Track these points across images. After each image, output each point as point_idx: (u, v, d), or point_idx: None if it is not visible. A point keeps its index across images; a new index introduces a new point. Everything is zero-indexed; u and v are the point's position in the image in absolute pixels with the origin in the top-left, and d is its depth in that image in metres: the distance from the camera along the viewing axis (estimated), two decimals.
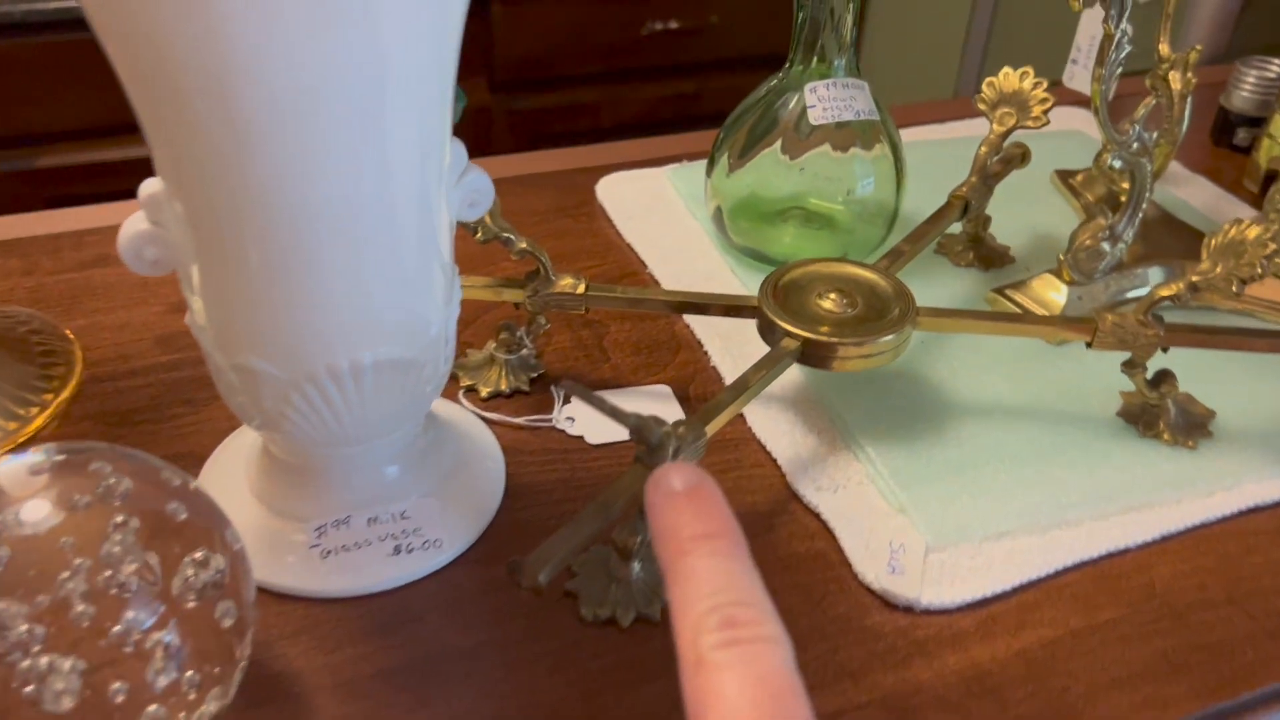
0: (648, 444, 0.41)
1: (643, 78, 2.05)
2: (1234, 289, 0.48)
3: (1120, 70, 0.55)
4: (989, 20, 1.60)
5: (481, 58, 1.87)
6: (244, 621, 0.37)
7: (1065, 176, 0.75)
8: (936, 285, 0.64)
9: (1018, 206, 0.71)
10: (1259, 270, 0.48)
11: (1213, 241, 0.50)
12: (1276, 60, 0.80)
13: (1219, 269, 0.49)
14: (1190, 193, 0.75)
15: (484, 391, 0.54)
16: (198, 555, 0.36)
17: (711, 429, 0.45)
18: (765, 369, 0.49)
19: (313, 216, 0.36)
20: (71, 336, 0.56)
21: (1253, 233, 0.49)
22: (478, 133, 1.96)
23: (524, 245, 0.52)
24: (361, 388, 0.40)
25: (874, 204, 0.63)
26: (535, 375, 0.56)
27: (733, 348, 0.58)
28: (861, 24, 2.09)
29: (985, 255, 0.66)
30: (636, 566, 0.45)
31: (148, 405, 0.53)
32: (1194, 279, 0.50)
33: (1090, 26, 0.72)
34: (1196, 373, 0.56)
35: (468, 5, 0.37)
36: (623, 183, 0.73)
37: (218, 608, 0.36)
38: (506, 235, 0.51)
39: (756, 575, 0.28)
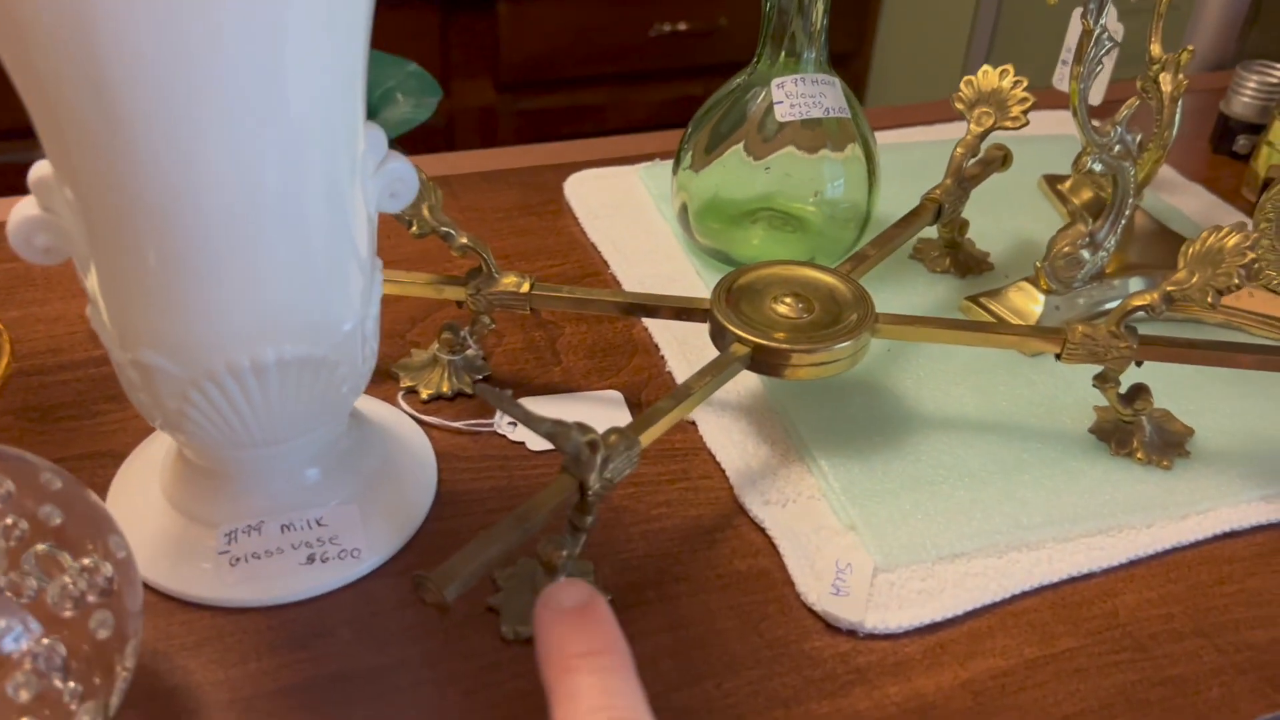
0: (564, 453, 0.38)
1: (650, 80, 2.03)
2: (1209, 300, 0.46)
3: (1100, 69, 0.52)
4: (993, 20, 1.56)
5: (487, 58, 1.86)
6: (124, 633, 0.34)
7: (1053, 181, 0.72)
8: (909, 291, 0.61)
9: (1002, 211, 0.68)
10: (1236, 280, 0.45)
11: (1190, 250, 0.47)
12: (1278, 65, 0.77)
13: (1195, 278, 0.46)
14: (1184, 200, 0.72)
15: (424, 393, 0.52)
16: (79, 562, 0.34)
17: (647, 438, 0.43)
18: (710, 375, 0.46)
19: (202, 209, 0.34)
20: (1, 328, 0.54)
21: (1231, 241, 0.46)
22: (483, 133, 1.95)
23: (465, 241, 0.49)
24: (266, 387, 0.38)
25: (846, 206, 0.60)
26: (481, 377, 0.53)
27: (690, 353, 0.56)
28: (873, 24, 2.07)
29: (962, 261, 0.63)
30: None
31: (73, 401, 0.51)
32: (1169, 289, 0.47)
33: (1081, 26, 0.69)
34: (1176, 388, 0.53)
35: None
36: (592, 180, 0.71)
37: (94, 618, 0.33)
38: (446, 230, 0.49)
39: (639, 691, 0.29)
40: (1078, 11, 0.69)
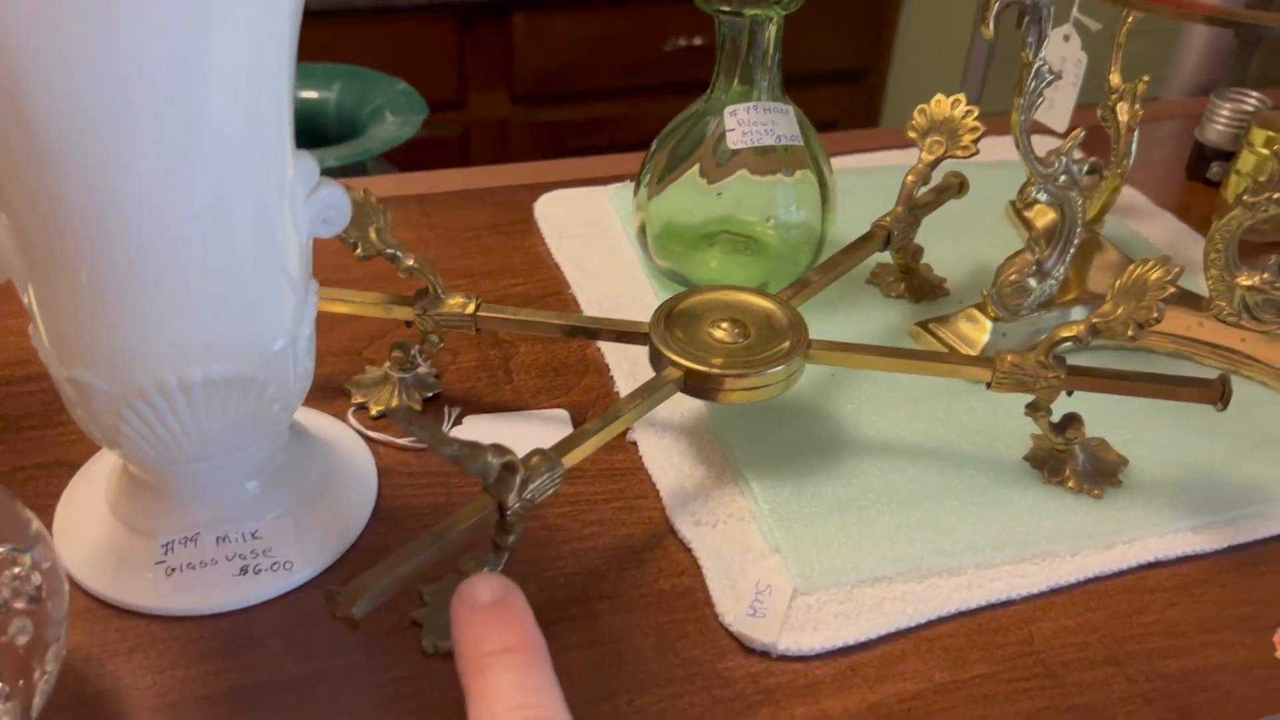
0: (477, 475, 0.39)
1: (664, 93, 2.05)
2: (1130, 332, 0.46)
3: (1041, 101, 0.53)
4: (989, 44, 1.57)
5: (503, 70, 1.88)
6: (43, 640, 0.36)
7: (1020, 208, 0.72)
8: (861, 316, 0.62)
9: (965, 237, 0.69)
10: (1155, 314, 0.45)
11: (1117, 283, 0.48)
12: (1254, 93, 0.77)
13: (1120, 310, 0.47)
14: (1151, 227, 0.73)
15: (374, 410, 0.54)
16: (10, 572, 0.35)
17: (570, 460, 0.44)
18: (641, 398, 0.47)
19: (127, 234, 0.35)
20: None
21: (1154, 274, 0.46)
22: (498, 145, 1.97)
23: (411, 263, 0.51)
24: (194, 404, 0.40)
25: (802, 230, 0.61)
26: (430, 395, 0.55)
27: (640, 374, 0.57)
28: (889, 40, 2.07)
29: (917, 287, 0.64)
30: None
31: (38, 411, 0.53)
32: (1095, 321, 0.48)
33: (1048, 54, 0.69)
34: (1115, 418, 0.54)
35: (294, 16, 0.36)
36: (563, 201, 0.72)
37: (12, 625, 0.35)
38: (392, 252, 0.50)
39: (555, 688, 0.29)
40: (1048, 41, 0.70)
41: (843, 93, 2.15)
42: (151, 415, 0.39)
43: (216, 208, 0.37)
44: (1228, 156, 0.77)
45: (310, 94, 1.07)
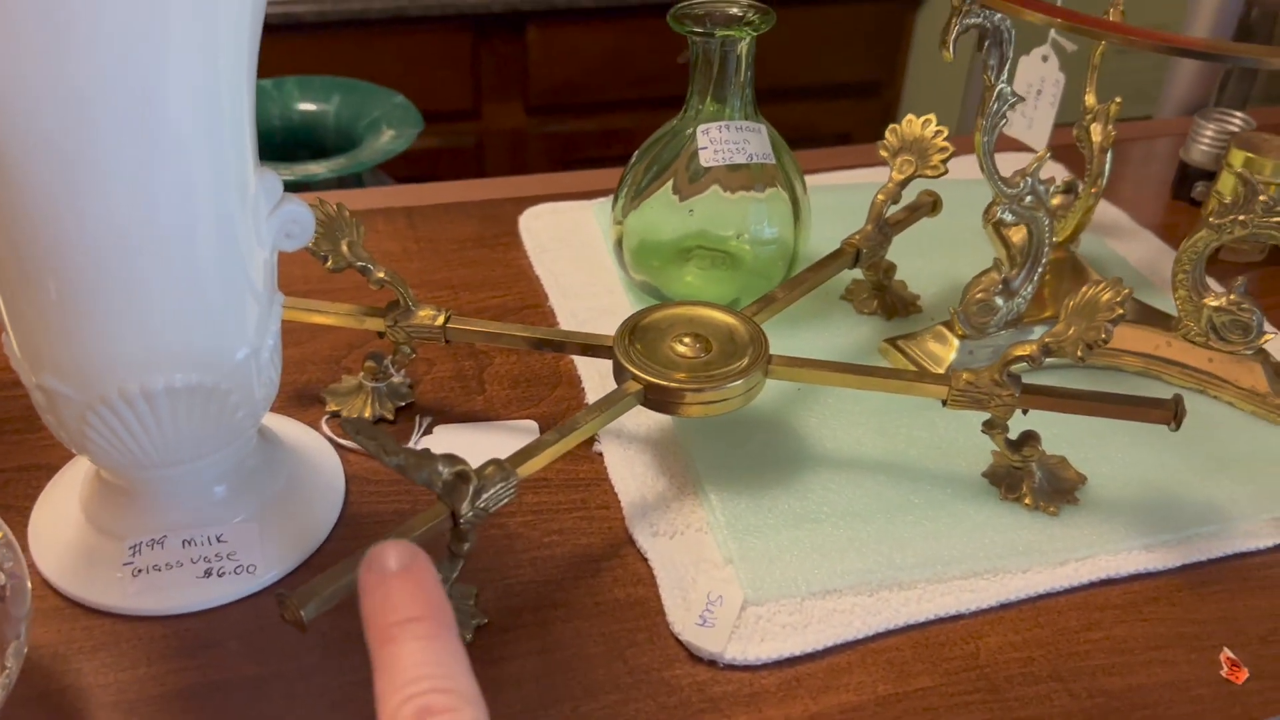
0: (423, 485, 0.40)
1: (677, 105, 2.06)
2: (1079, 353, 0.47)
3: (1005, 123, 0.54)
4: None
5: (517, 82, 1.90)
6: (2, 638, 0.37)
7: (1000, 224, 0.73)
8: (832, 332, 0.63)
9: (941, 255, 0.70)
10: (1103, 335, 0.46)
11: (1070, 303, 0.48)
12: (1238, 114, 0.77)
13: (1071, 331, 0.48)
14: (1131, 247, 0.73)
15: (344, 416, 0.55)
16: None
17: (525, 470, 0.45)
18: (600, 411, 0.48)
19: (91, 247, 0.37)
20: None
21: (1104, 296, 0.47)
22: (512, 155, 1.99)
23: (382, 275, 0.52)
24: (158, 413, 0.41)
25: (775, 246, 0.62)
26: (403, 404, 0.56)
27: (611, 386, 0.58)
28: (904, 54, 2.08)
29: (890, 303, 0.65)
30: None
31: (22, 415, 0.55)
32: (1047, 340, 0.48)
33: (1026, 73, 0.70)
34: (1077, 435, 0.55)
35: (252, 38, 0.38)
36: (548, 215, 0.73)
37: None
38: (363, 265, 0.52)
39: (462, 658, 0.28)
40: (1024, 59, 0.71)
41: (857, 106, 2.15)
42: (116, 422, 0.41)
43: (179, 223, 0.38)
44: (1212, 176, 0.78)
45: (309, 106, 1.10)
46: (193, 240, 0.39)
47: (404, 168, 1.67)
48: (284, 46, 1.61)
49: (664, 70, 1.97)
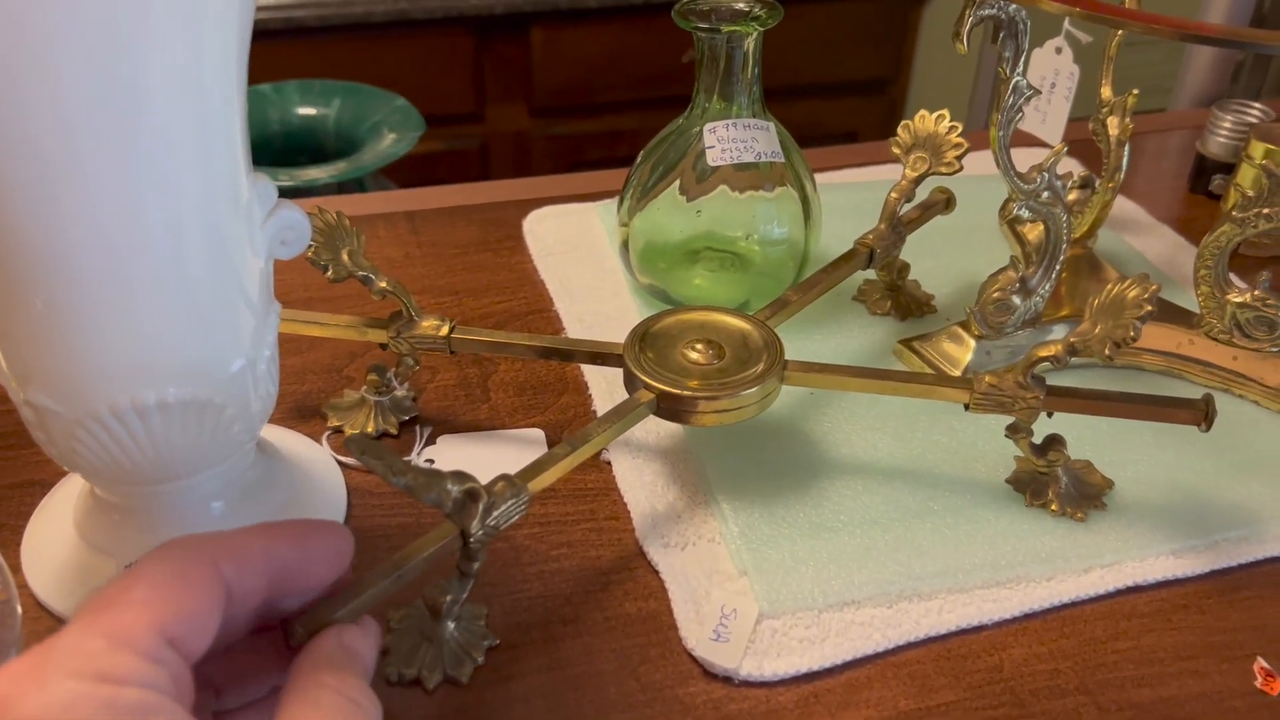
0: (431, 505, 0.39)
1: (682, 106, 2.05)
2: (1106, 351, 0.45)
3: (1020, 116, 0.52)
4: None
5: (521, 83, 1.88)
6: None
7: (1015, 222, 0.71)
8: (845, 334, 0.61)
9: (956, 253, 0.68)
10: (1131, 333, 0.45)
11: (1095, 301, 0.47)
12: (1257, 105, 0.76)
13: (1098, 329, 0.46)
14: (1149, 243, 0.71)
15: (349, 433, 0.53)
16: None
17: (536, 485, 0.44)
18: (612, 421, 0.47)
19: (78, 259, 0.36)
20: None
21: (1131, 293, 0.45)
22: (516, 157, 1.98)
23: (384, 285, 0.51)
24: (150, 427, 0.40)
25: (785, 246, 0.61)
26: (407, 418, 0.55)
27: (619, 393, 0.56)
28: (910, 50, 2.06)
29: (904, 304, 0.63)
30: (451, 626, 0.43)
31: (14, 431, 0.53)
32: (1073, 340, 0.47)
33: (1040, 66, 0.69)
34: (1102, 438, 0.53)
35: (241, 40, 0.36)
36: (552, 217, 0.72)
37: None
38: (365, 275, 0.50)
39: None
40: (1038, 52, 0.69)
41: (863, 103, 2.14)
42: (107, 438, 0.40)
43: (168, 232, 0.37)
44: (1230, 169, 0.76)
45: (309, 111, 1.08)
46: (182, 249, 0.37)
47: (407, 172, 1.65)
48: (286, 51, 1.60)
49: (669, 70, 1.95)
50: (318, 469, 0.50)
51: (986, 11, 0.48)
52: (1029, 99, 0.51)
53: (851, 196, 0.73)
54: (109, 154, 0.34)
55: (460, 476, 0.40)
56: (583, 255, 0.68)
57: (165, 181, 0.36)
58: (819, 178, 0.76)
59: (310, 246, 0.49)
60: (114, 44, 0.32)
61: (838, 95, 2.08)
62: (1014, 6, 0.48)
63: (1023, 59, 0.50)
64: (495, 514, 0.41)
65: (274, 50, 1.58)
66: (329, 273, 0.50)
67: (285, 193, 0.42)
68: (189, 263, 0.38)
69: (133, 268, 0.37)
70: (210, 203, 0.38)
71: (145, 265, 0.37)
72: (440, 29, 1.77)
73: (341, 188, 0.93)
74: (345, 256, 0.50)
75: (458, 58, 1.82)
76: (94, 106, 0.33)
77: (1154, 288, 0.45)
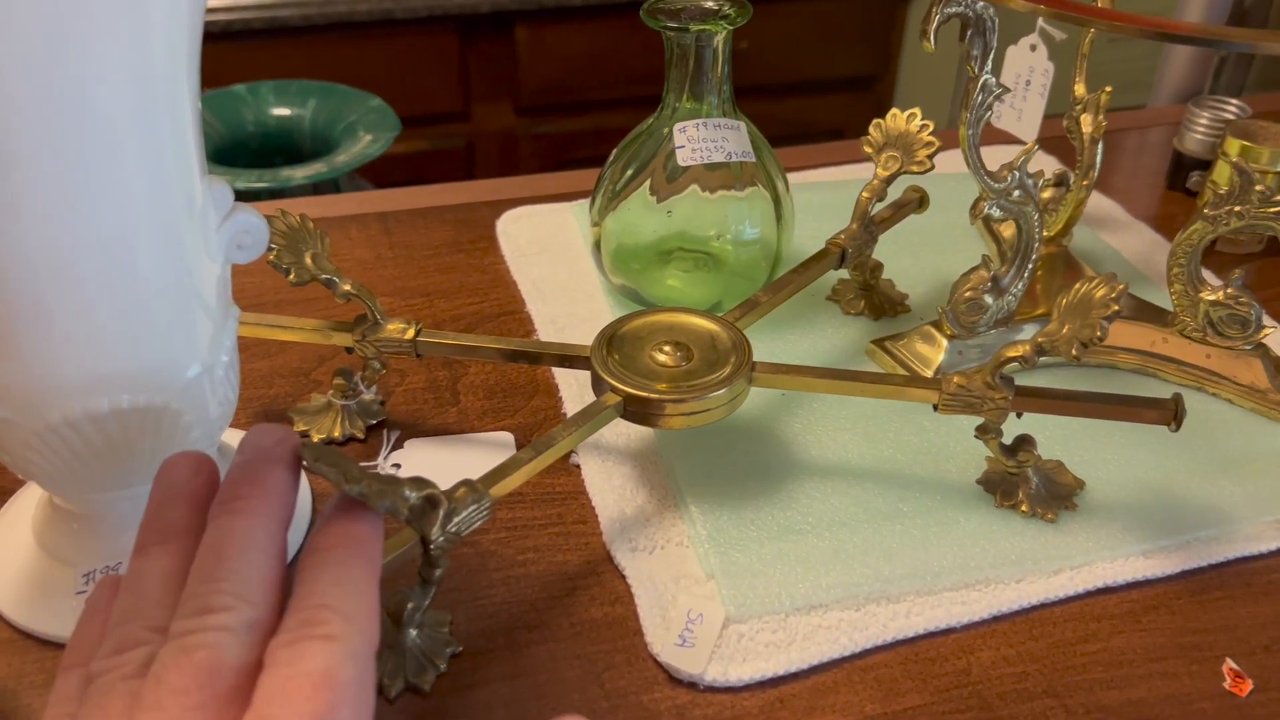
0: (393, 514, 0.38)
1: None
2: (1074, 351, 0.45)
3: (989, 115, 0.52)
4: None
5: (506, 82, 1.88)
6: None
7: (990, 220, 0.71)
8: (818, 334, 0.61)
9: (930, 252, 0.68)
10: (1099, 333, 0.44)
11: (1063, 300, 0.47)
12: (1234, 101, 0.75)
13: (1065, 329, 0.46)
14: (1125, 240, 0.71)
15: (315, 438, 0.53)
16: None
17: (499, 491, 0.43)
18: (577, 425, 0.47)
19: (25, 266, 0.35)
20: None
21: (1099, 292, 0.45)
22: (503, 156, 1.97)
23: (348, 288, 0.50)
24: (105, 436, 0.39)
25: (757, 246, 0.60)
26: (375, 422, 0.54)
27: (590, 395, 0.56)
28: (897, 46, 2.06)
29: (877, 304, 0.63)
30: (413, 633, 0.43)
31: None
32: (1040, 340, 0.46)
33: (1015, 64, 0.68)
34: (1073, 438, 0.53)
35: (191, 39, 0.36)
36: (526, 218, 0.72)
37: None
38: (328, 278, 0.50)
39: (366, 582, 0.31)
40: (1012, 49, 0.69)
41: (850, 100, 2.14)
42: (61, 447, 0.39)
43: (118, 236, 0.36)
44: (1207, 166, 0.76)
45: (285, 111, 1.08)
46: (133, 253, 0.37)
47: (392, 172, 1.65)
48: (269, 50, 1.59)
49: (656, 67, 1.95)
50: None
51: (953, 9, 0.48)
52: (998, 96, 0.51)
53: (827, 195, 0.72)
54: (51, 156, 0.33)
55: (419, 482, 0.40)
56: (556, 256, 0.68)
57: (112, 183, 0.35)
58: (799, 176, 0.76)
59: (272, 250, 0.49)
60: (55, 41, 0.32)
61: (825, 92, 2.08)
62: (981, 4, 0.48)
63: (993, 56, 0.50)
64: (456, 520, 0.41)
65: (257, 50, 1.58)
66: (291, 276, 0.49)
67: (260, 194, 0.42)
68: (141, 267, 0.37)
69: (82, 272, 0.36)
70: (161, 206, 0.37)
71: (94, 270, 0.36)
72: (424, 28, 1.76)
73: (317, 189, 0.92)
74: (309, 259, 0.50)
75: (442, 57, 1.81)
76: (35, 107, 0.32)
77: (1121, 287, 0.45)
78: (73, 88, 0.33)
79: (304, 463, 0.36)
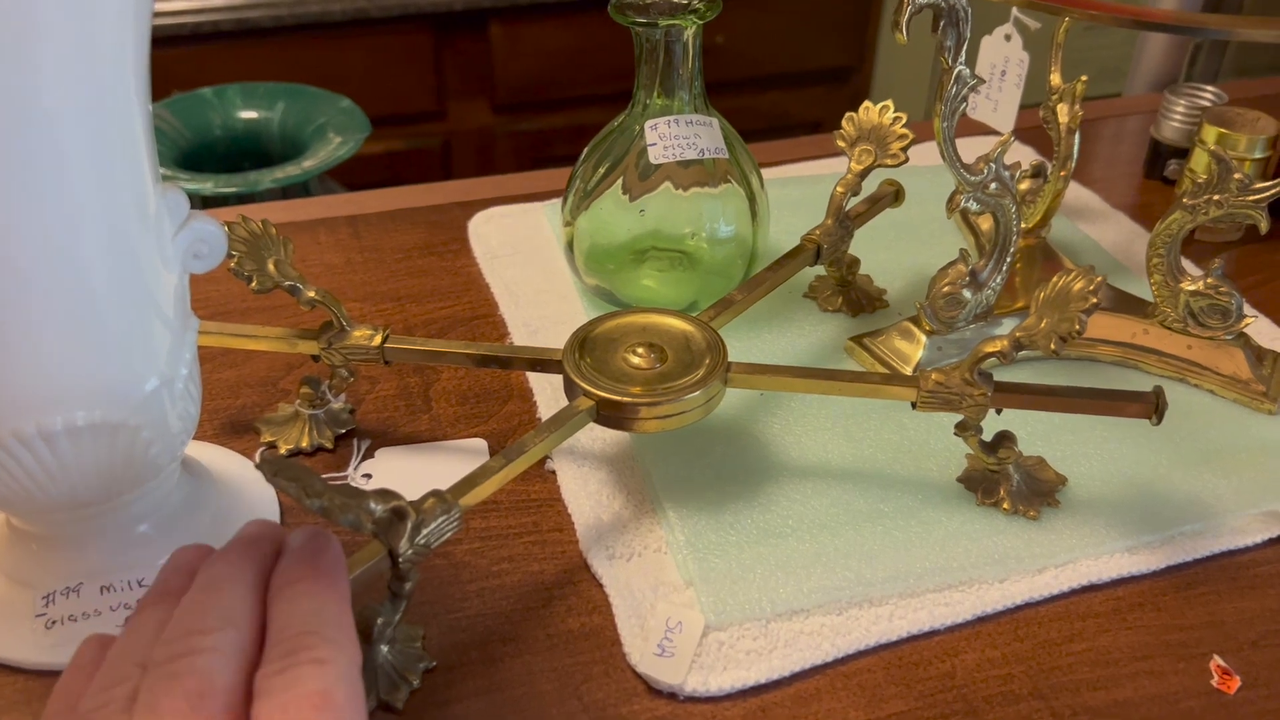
0: (356, 529, 0.37)
1: None
2: (1052, 346, 0.44)
3: (964, 106, 0.51)
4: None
5: (482, 80, 1.86)
6: None
7: (969, 214, 0.70)
8: (795, 332, 0.60)
9: (908, 246, 0.67)
10: (1077, 327, 0.43)
11: (1041, 294, 0.46)
12: (1210, 88, 0.75)
13: (1043, 323, 0.45)
14: (1104, 230, 0.71)
15: (283, 448, 0.52)
16: None
17: (469, 501, 0.42)
18: (549, 431, 0.45)
19: None
20: None
21: (1077, 285, 0.44)
22: (480, 155, 1.96)
23: (313, 295, 0.49)
24: (59, 454, 0.38)
25: (732, 244, 0.59)
26: (344, 431, 0.53)
27: (564, 399, 0.55)
28: (873, 38, 2.05)
29: (855, 299, 0.62)
30: (384, 649, 0.42)
31: None
32: (1018, 335, 0.46)
33: (990, 54, 0.68)
34: (1057, 432, 0.52)
35: (138, 45, 0.35)
36: (498, 219, 0.70)
37: None
38: (291, 284, 0.49)
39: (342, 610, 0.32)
40: (987, 39, 0.68)
41: (828, 93, 2.13)
42: (15, 466, 0.38)
43: (66, 249, 0.35)
44: (1185, 154, 0.75)
45: (252, 114, 1.06)
46: (84, 263, 0.36)
47: (368, 172, 1.63)
48: (238, 53, 1.57)
49: (631, 63, 1.94)
50: (249, 488, 0.49)
51: (925, 0, 0.47)
52: (973, 88, 0.50)
53: (803, 190, 0.72)
54: (7, 174, 0.32)
55: (385, 495, 0.38)
56: (529, 257, 0.67)
57: (59, 191, 0.34)
58: (774, 171, 0.75)
59: (233, 257, 0.48)
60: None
61: (802, 85, 2.07)
62: None
63: (966, 47, 0.49)
64: (425, 532, 0.40)
65: (227, 52, 1.56)
66: (253, 284, 0.48)
67: (228, 199, 0.41)
68: (92, 278, 0.36)
69: (29, 283, 0.35)
70: (112, 214, 0.36)
71: (43, 280, 0.35)
72: (398, 26, 1.75)
73: (286, 192, 0.91)
74: (271, 266, 0.49)
75: (417, 55, 1.79)
76: None
77: (1099, 280, 0.44)
78: (13, 93, 0.31)
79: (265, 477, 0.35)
